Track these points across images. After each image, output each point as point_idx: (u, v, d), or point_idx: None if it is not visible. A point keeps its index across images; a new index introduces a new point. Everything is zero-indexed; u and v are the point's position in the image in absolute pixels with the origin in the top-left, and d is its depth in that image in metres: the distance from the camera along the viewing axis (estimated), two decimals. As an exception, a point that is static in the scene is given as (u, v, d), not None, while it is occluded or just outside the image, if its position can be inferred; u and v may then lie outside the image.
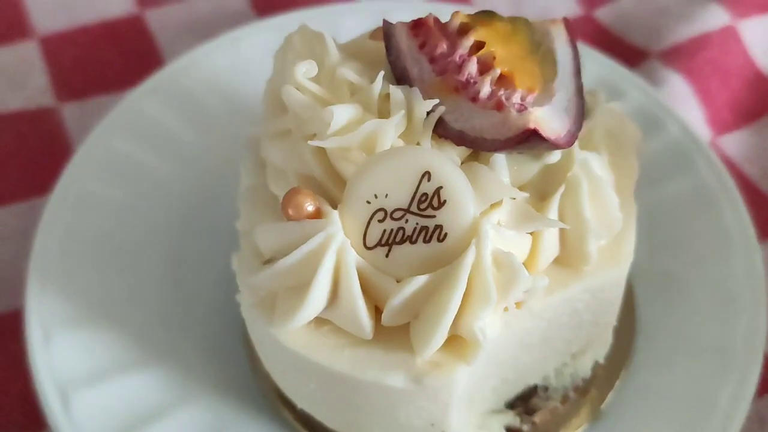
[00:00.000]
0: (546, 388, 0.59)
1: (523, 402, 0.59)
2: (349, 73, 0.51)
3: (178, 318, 0.66)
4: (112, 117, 0.74)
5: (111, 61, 0.87)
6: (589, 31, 0.90)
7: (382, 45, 0.55)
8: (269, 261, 0.51)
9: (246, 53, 0.80)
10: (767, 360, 0.64)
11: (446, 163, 0.46)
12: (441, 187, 0.46)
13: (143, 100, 0.76)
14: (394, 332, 0.49)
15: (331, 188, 0.50)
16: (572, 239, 0.51)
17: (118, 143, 0.73)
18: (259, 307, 0.52)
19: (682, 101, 0.83)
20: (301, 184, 0.52)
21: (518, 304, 0.50)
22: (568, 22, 0.55)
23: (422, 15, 0.87)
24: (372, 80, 0.51)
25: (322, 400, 0.54)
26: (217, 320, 0.66)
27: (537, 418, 0.58)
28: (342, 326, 0.50)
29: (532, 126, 0.47)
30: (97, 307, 0.65)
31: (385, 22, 0.54)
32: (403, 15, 0.82)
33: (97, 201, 0.70)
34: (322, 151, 0.51)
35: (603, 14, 0.92)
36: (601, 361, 0.60)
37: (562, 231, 0.51)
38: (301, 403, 0.57)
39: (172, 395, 0.61)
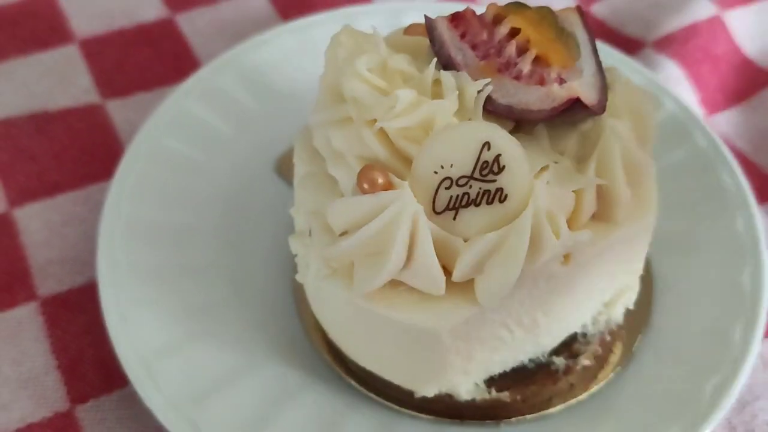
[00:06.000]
0: (584, 335, 0.66)
1: (567, 348, 0.66)
2: (401, 62, 0.58)
3: (234, 294, 0.72)
4: (158, 114, 0.81)
5: (148, 61, 0.95)
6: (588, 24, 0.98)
7: (418, 39, 0.62)
8: (344, 234, 0.57)
9: (273, 53, 0.88)
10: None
11: (503, 134, 0.53)
12: (500, 155, 0.53)
13: (184, 99, 0.83)
14: (458, 288, 0.56)
15: (395, 165, 0.56)
16: (607, 195, 0.58)
17: (164, 138, 0.80)
18: (336, 277, 0.58)
19: (677, 84, 0.91)
20: (360, 164, 0.58)
21: (567, 257, 0.57)
22: (581, 10, 0.62)
23: (432, 13, 0.95)
24: (419, 69, 0.58)
25: (395, 356, 0.60)
26: (269, 298, 0.73)
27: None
28: (415, 285, 0.56)
29: (575, 95, 0.54)
30: (162, 286, 0.71)
31: (426, 17, 0.60)
32: (414, 14, 0.91)
33: (150, 190, 0.77)
34: (383, 134, 0.57)
35: (599, 9, 1.01)
36: (631, 307, 0.68)
37: (598, 188, 0.58)
38: (370, 364, 0.64)
39: (240, 362, 0.67)
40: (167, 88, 0.91)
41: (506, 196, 0.53)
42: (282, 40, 0.89)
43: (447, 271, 0.55)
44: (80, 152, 0.86)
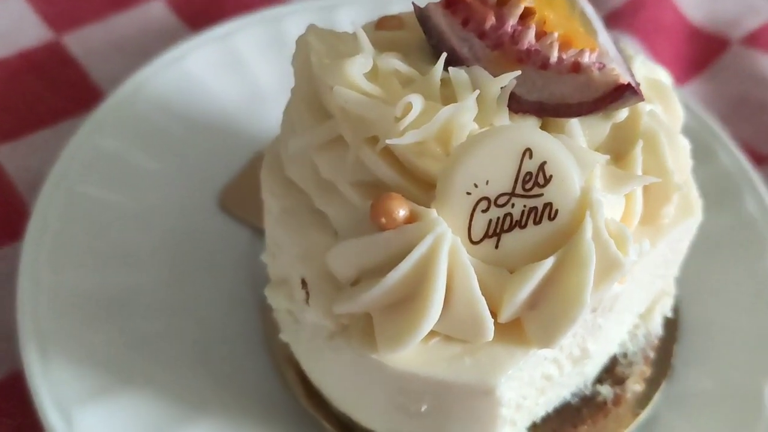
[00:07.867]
0: (625, 355, 0.58)
1: (610, 373, 0.57)
2: (397, 62, 0.47)
3: (200, 366, 0.60)
4: (66, 156, 0.67)
5: (38, 93, 0.80)
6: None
7: (397, 34, 0.52)
8: (357, 281, 0.46)
9: (192, 70, 0.76)
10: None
11: (545, 137, 0.43)
12: (545, 162, 0.43)
13: (95, 135, 0.69)
14: (502, 330, 0.46)
15: (408, 190, 0.46)
16: (656, 193, 0.49)
17: (78, 185, 0.66)
18: (348, 335, 0.47)
19: None
20: (358, 193, 0.47)
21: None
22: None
23: (365, 7, 0.82)
24: (415, 69, 0.48)
25: (432, 420, 0.49)
26: (241, 364, 0.61)
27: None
28: (455, 334, 0.46)
29: (623, 81, 0.45)
30: (109, 371, 0.58)
31: (415, 5, 0.49)
32: (347, 9, 0.80)
33: (73, 251, 0.63)
34: (388, 152, 0.46)
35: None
36: (669, 314, 0.60)
37: (644, 187, 0.49)
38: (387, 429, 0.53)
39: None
40: (67, 123, 0.77)
41: (556, 211, 0.43)
42: (199, 54, 0.76)
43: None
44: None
